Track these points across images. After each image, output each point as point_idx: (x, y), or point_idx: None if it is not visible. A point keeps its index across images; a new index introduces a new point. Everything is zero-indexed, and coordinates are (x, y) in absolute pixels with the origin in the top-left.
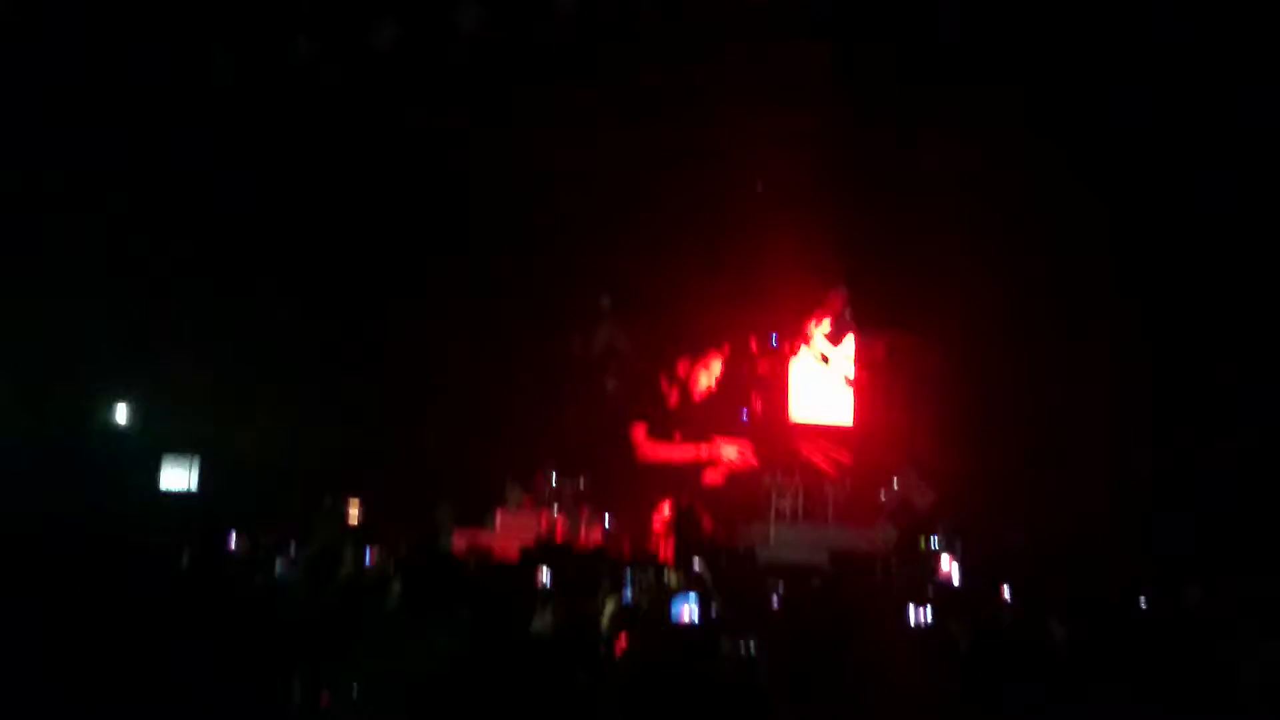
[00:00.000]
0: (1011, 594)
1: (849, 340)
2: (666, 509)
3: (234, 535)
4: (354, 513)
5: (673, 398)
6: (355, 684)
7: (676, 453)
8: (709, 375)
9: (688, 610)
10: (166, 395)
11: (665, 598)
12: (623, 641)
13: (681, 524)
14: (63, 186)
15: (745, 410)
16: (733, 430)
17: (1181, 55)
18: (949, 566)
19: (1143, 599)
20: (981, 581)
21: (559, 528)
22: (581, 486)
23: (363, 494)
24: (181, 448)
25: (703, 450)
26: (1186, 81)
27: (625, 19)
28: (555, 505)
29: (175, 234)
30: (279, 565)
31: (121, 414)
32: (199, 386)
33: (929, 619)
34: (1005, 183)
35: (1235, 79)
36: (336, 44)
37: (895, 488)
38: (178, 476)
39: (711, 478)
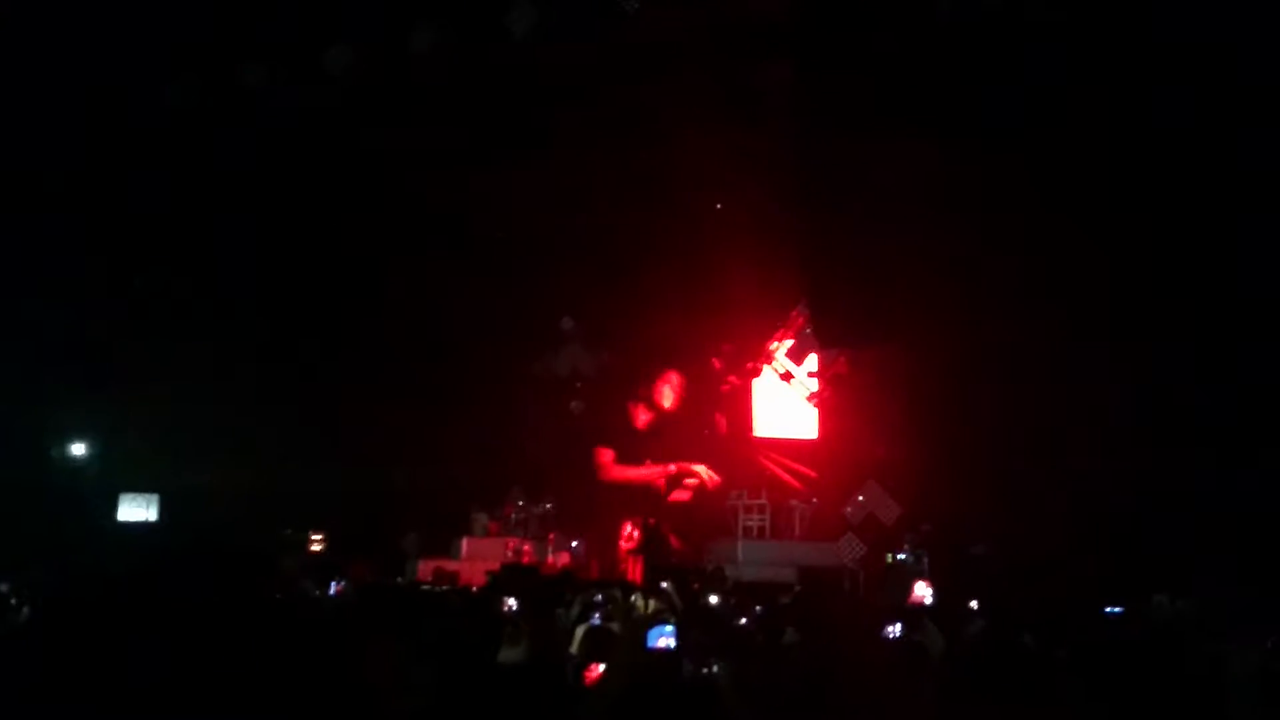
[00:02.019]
0: (979, 606)
1: (811, 357)
2: (633, 530)
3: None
4: (317, 544)
5: (637, 418)
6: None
7: (642, 474)
8: (672, 394)
9: (664, 639)
10: (125, 430)
11: (636, 621)
12: (594, 668)
13: (649, 545)
14: (23, 222)
15: (709, 428)
16: (698, 449)
17: (1138, 59)
18: (923, 591)
19: (1109, 608)
20: (948, 594)
21: (526, 552)
22: (548, 510)
23: (326, 524)
24: (140, 482)
25: (669, 470)
26: (1142, 87)
27: (585, 41)
28: (522, 530)
29: (136, 271)
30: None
31: (80, 449)
32: (158, 421)
33: (898, 633)
34: (965, 199)
35: (1189, 80)
36: (292, 68)
37: (861, 502)
38: (136, 511)
39: (678, 497)
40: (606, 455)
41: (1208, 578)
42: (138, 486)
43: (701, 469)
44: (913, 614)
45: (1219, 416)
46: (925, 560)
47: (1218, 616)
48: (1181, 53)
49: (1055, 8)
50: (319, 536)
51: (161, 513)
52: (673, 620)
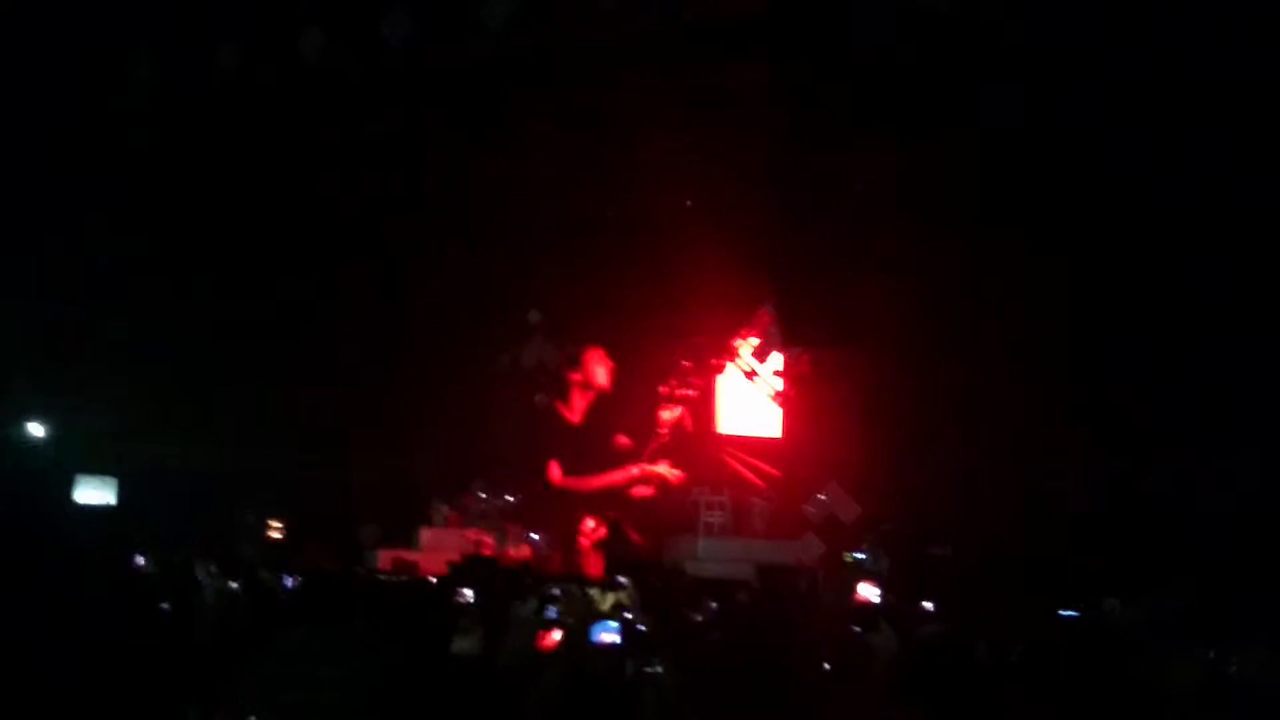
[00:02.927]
0: (935, 607)
1: (776, 356)
2: (594, 525)
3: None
4: (275, 532)
5: (574, 404)
6: (273, 706)
7: (602, 482)
8: (604, 372)
9: (607, 635)
10: (81, 411)
11: (591, 616)
12: (541, 657)
13: (610, 539)
14: None
15: (672, 426)
16: (660, 445)
17: (1095, 64)
18: (867, 591)
19: (1064, 611)
20: (905, 595)
21: (486, 544)
22: (509, 503)
23: (283, 512)
24: (96, 464)
25: (630, 474)
26: (1102, 92)
27: (554, 35)
28: (482, 522)
29: (94, 250)
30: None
31: (36, 429)
32: (115, 403)
33: (853, 633)
34: (930, 199)
35: (1145, 85)
36: (256, 51)
37: (822, 501)
38: (92, 493)
39: (640, 493)
40: (555, 470)
41: (1159, 583)
42: (96, 470)
43: (663, 468)
44: (867, 614)
45: (1176, 422)
46: (884, 560)
47: (1167, 623)
48: (1137, 60)
49: (1018, 14)
50: (278, 524)
51: (118, 492)
52: (621, 617)
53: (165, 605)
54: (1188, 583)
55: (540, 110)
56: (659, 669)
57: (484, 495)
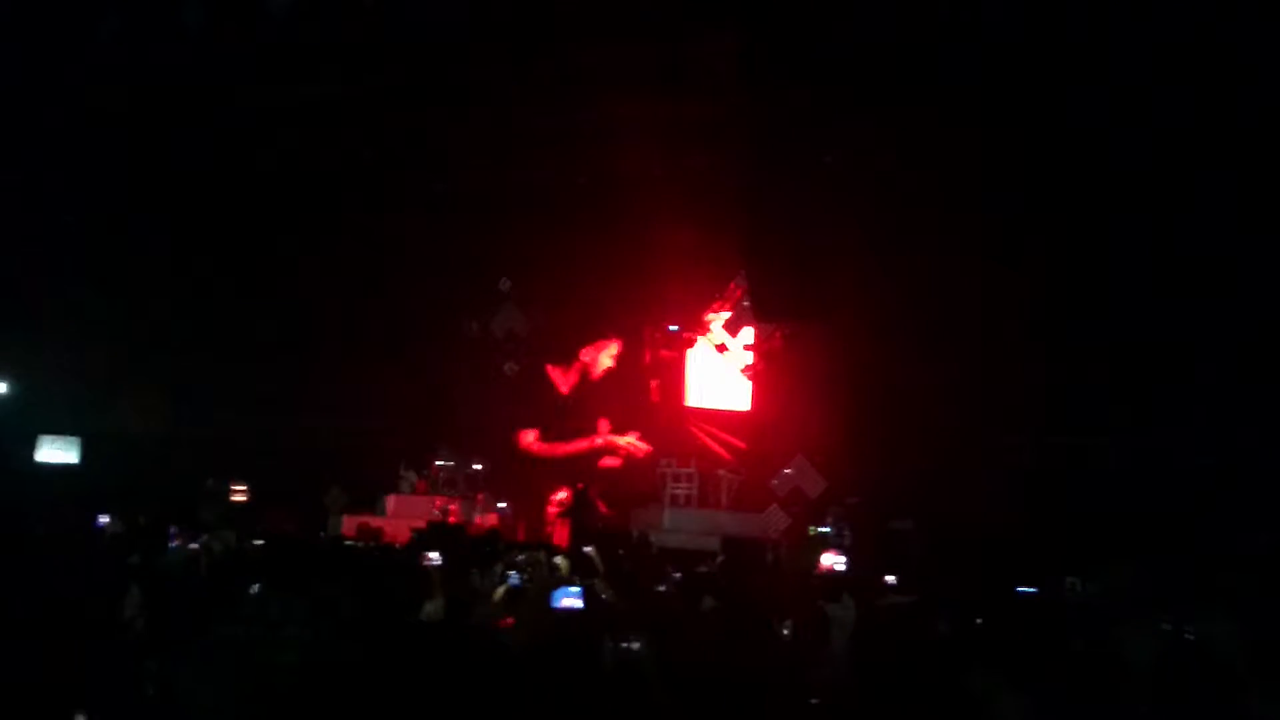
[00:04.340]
0: (897, 580)
1: (747, 330)
2: (562, 494)
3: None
4: (239, 495)
5: (562, 383)
6: (235, 669)
7: (567, 450)
8: (608, 361)
9: (569, 600)
10: (44, 372)
11: (555, 583)
12: (509, 625)
13: (577, 509)
14: None
15: (643, 396)
16: (630, 416)
17: (1071, 56)
18: (831, 560)
19: (1022, 588)
20: (867, 568)
21: (453, 512)
22: (477, 471)
23: (249, 476)
24: (60, 425)
25: (594, 444)
26: (1062, 69)
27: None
28: (449, 490)
29: (55, 214)
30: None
31: None
32: (79, 363)
33: (814, 604)
34: (900, 177)
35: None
36: (217, 11)
37: (787, 475)
38: (56, 453)
39: (608, 463)
40: (528, 437)
41: (1117, 561)
42: (59, 430)
43: (628, 439)
44: (830, 584)
45: (1133, 403)
46: (846, 533)
47: (1122, 599)
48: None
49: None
50: (241, 488)
51: (82, 453)
52: (581, 584)
53: (133, 562)
54: (1144, 556)
55: (514, 76)
56: (636, 645)
57: (451, 463)
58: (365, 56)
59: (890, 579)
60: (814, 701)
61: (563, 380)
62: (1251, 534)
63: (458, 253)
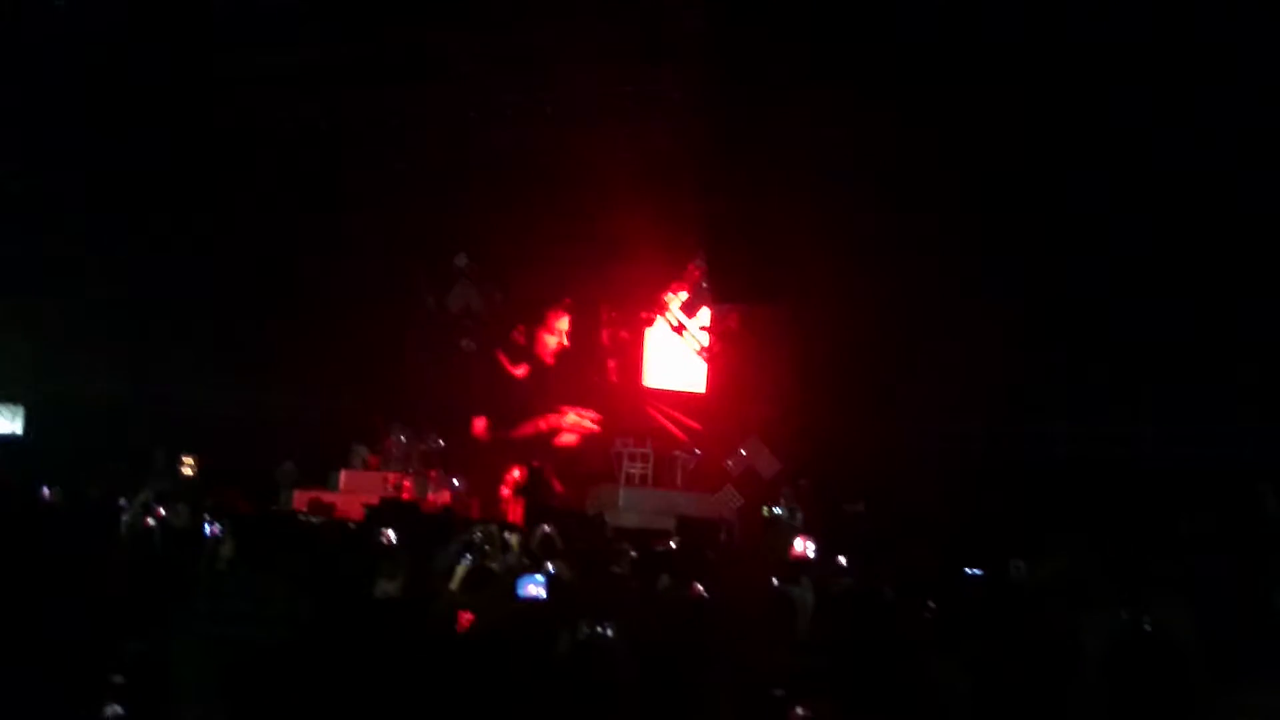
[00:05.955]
0: (849, 562)
1: (704, 311)
2: (517, 472)
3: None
4: (189, 468)
5: (527, 360)
6: (187, 649)
7: (520, 432)
8: (564, 339)
9: (533, 588)
10: None
11: (512, 563)
12: (466, 611)
13: (531, 487)
14: None
15: (599, 374)
16: (586, 395)
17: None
18: (802, 546)
19: (970, 570)
20: (820, 550)
21: (406, 488)
22: (430, 447)
23: (199, 448)
24: (5, 394)
25: (551, 420)
26: (1030, 53)
27: None
28: (402, 466)
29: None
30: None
31: None
32: (26, 332)
33: (771, 585)
34: (859, 157)
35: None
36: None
37: (742, 456)
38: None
39: (564, 441)
40: (480, 424)
41: (1067, 545)
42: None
43: (576, 416)
44: (791, 568)
45: (1095, 393)
46: (799, 515)
47: (1075, 585)
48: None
49: None
50: (190, 460)
51: (28, 423)
52: (544, 573)
53: (84, 539)
54: (1095, 540)
55: (476, 50)
56: (608, 631)
57: (404, 439)
58: (323, 28)
59: (842, 560)
60: (778, 693)
61: (512, 365)
62: (1192, 516)
63: (414, 227)
